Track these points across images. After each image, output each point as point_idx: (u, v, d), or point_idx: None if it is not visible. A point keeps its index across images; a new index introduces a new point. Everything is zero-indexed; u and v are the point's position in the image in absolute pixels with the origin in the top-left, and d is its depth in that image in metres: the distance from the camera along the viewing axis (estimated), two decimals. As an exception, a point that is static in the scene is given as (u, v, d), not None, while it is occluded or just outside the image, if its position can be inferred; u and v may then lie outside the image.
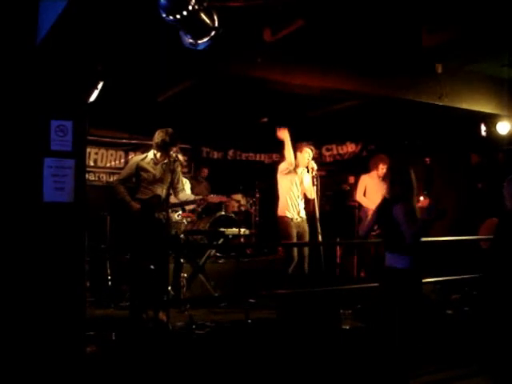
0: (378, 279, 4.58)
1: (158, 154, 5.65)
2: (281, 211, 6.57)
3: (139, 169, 5.63)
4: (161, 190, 5.63)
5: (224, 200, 7.02)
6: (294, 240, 6.52)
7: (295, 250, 6.41)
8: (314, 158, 6.83)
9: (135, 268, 5.54)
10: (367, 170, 7.92)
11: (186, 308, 5.93)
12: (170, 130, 5.64)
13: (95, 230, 6.67)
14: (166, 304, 5.41)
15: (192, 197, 6.07)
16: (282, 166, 6.66)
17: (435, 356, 5.28)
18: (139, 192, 5.61)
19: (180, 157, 5.91)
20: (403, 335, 4.24)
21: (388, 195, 4.46)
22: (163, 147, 5.61)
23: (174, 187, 5.77)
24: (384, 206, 4.45)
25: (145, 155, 5.78)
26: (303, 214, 6.59)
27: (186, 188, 7.10)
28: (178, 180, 5.82)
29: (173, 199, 5.88)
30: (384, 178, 7.75)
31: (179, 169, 5.85)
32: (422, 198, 6.81)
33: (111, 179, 8.55)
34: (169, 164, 5.65)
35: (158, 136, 5.61)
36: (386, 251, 4.41)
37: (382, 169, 7.71)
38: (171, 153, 5.63)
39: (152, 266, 5.60)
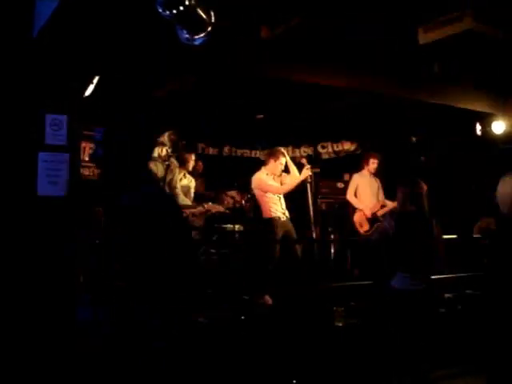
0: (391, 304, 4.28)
1: (163, 153, 5.81)
2: (266, 213, 6.59)
3: None
4: None
5: (221, 210, 7.07)
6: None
7: (277, 249, 6.43)
8: (308, 156, 6.83)
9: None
10: (360, 169, 7.93)
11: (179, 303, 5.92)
12: (177, 133, 5.89)
13: (90, 225, 6.65)
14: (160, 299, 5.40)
15: (189, 202, 6.11)
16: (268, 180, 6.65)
17: (429, 354, 5.29)
18: None
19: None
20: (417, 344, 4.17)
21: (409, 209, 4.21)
22: (170, 148, 5.81)
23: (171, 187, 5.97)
24: (409, 220, 4.18)
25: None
26: (287, 213, 6.59)
27: (191, 186, 7.19)
28: (174, 182, 6.06)
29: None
30: (375, 175, 7.78)
31: (177, 171, 6.08)
32: None
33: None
34: (171, 164, 5.90)
35: (168, 137, 5.83)
36: (406, 273, 4.07)
37: (373, 163, 7.70)
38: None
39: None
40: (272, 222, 6.47)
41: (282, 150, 6.67)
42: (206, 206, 6.57)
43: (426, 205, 4.26)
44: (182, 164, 7.21)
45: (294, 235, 6.54)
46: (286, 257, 6.41)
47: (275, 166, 6.54)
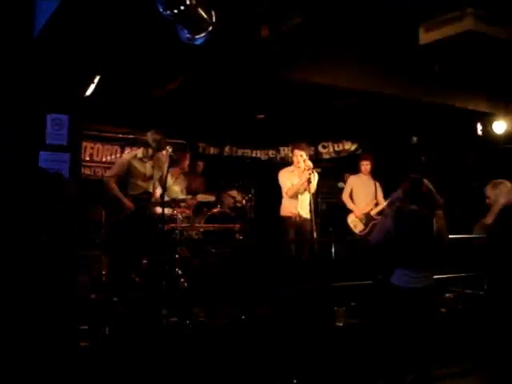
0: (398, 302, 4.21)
1: (149, 153, 5.94)
2: (281, 211, 6.65)
3: (130, 166, 5.93)
4: (150, 187, 5.95)
5: (212, 200, 7.14)
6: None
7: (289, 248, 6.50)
8: (309, 155, 6.83)
9: (127, 264, 5.65)
10: (357, 171, 7.94)
11: (180, 303, 5.92)
12: (160, 132, 5.98)
13: (90, 223, 6.69)
14: (160, 298, 5.41)
15: (180, 196, 6.22)
16: (286, 179, 6.66)
17: (430, 354, 5.29)
18: (129, 188, 5.91)
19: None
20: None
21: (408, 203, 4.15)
22: (155, 147, 5.90)
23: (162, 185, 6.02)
24: (408, 218, 4.11)
25: (135, 153, 6.13)
26: (303, 212, 6.58)
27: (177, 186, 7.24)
28: (164, 178, 6.04)
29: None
30: (372, 176, 7.78)
31: (166, 166, 6.05)
32: None
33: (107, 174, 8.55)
34: (158, 162, 6.01)
35: (151, 136, 5.91)
36: (406, 270, 4.07)
37: (364, 165, 7.74)
38: (163, 152, 5.93)
39: (145, 261, 5.69)
40: (283, 220, 6.55)
41: (302, 145, 6.70)
42: (197, 196, 6.73)
43: (428, 203, 4.23)
44: (178, 164, 7.25)
45: (307, 236, 6.56)
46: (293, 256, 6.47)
47: (295, 160, 6.63)
